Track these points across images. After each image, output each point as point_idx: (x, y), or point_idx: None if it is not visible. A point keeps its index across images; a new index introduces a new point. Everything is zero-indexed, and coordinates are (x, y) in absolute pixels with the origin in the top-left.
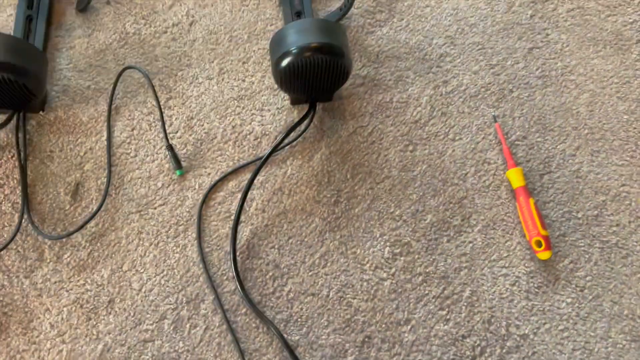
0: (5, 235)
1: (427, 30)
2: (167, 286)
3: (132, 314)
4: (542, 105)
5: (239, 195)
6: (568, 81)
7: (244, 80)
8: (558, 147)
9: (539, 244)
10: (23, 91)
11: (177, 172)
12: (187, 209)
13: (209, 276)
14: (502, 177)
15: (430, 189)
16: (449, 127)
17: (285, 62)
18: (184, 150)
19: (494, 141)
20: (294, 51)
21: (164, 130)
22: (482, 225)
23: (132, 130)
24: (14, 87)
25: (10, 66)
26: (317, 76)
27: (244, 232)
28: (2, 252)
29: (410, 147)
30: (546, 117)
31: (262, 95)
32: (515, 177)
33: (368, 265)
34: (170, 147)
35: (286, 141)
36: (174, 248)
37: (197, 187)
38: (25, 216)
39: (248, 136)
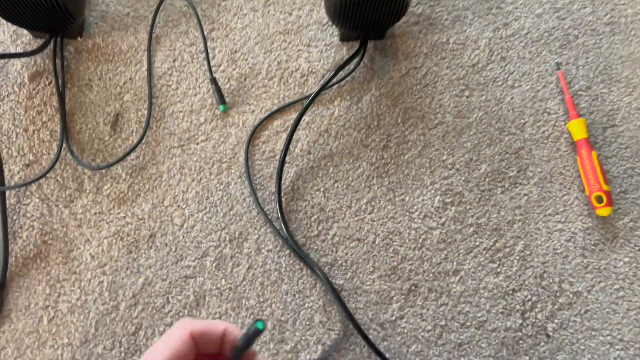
0: (44, 164)
1: None
2: (210, 223)
3: (173, 250)
4: (609, 54)
5: (284, 135)
6: (638, 30)
7: (290, 14)
8: (624, 99)
9: (599, 199)
10: (62, 13)
11: (221, 108)
12: (231, 147)
13: (264, 211)
14: (563, 128)
15: (485, 137)
16: (508, 73)
17: None
18: (227, 85)
19: (555, 90)
20: None
21: (208, 63)
22: (539, 178)
23: (174, 61)
24: (54, 7)
25: None
26: (373, 9)
27: (289, 173)
28: (41, 181)
29: (467, 93)
30: (612, 67)
31: (310, 30)
32: (577, 128)
33: (417, 213)
34: (214, 81)
35: (334, 80)
36: (217, 185)
37: (240, 124)
38: (65, 145)
39: (294, 73)
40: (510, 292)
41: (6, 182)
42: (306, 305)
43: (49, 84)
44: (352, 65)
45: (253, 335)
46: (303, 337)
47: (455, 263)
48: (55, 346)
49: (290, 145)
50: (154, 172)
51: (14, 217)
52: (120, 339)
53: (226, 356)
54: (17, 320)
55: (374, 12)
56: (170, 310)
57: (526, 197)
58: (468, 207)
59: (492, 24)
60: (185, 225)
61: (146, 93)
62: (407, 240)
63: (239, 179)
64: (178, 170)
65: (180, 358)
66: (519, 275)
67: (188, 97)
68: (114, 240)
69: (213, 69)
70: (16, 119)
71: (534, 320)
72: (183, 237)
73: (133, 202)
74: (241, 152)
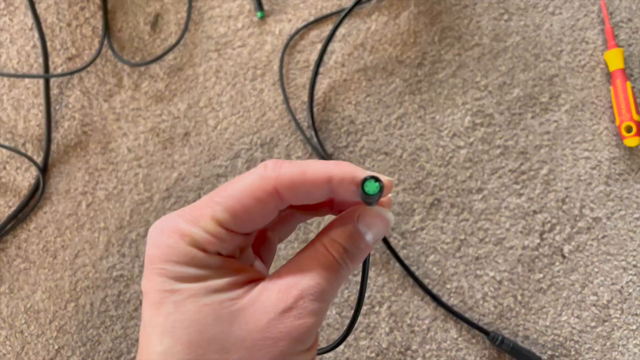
0: (85, 58)
1: None
2: (242, 127)
3: (206, 149)
4: None
5: (319, 46)
6: None
7: None
8: None
9: (628, 129)
10: None
11: (258, 14)
12: (266, 54)
13: (295, 119)
14: (599, 58)
15: (521, 62)
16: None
17: None
18: None
19: (596, 20)
20: None
21: None
22: (570, 106)
23: None
24: None
25: None
26: None
27: (322, 84)
28: (82, 74)
29: (505, 16)
30: None
31: None
32: (614, 58)
33: (446, 132)
34: None
35: None
36: (251, 91)
37: (277, 32)
38: (106, 41)
39: None
40: (531, 213)
41: (50, 70)
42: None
43: None
44: None
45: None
46: None
47: (479, 182)
48: (93, 229)
49: (325, 57)
50: (190, 74)
51: (57, 107)
52: None
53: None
54: (57, 203)
55: None
56: None
57: (556, 124)
58: (497, 129)
59: None
60: (218, 127)
61: None
62: (434, 157)
63: (273, 87)
64: (213, 74)
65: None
66: (541, 198)
67: (227, 2)
68: (150, 136)
69: None
70: (60, 14)
71: (551, 241)
72: (216, 138)
73: (169, 101)
74: (276, 60)
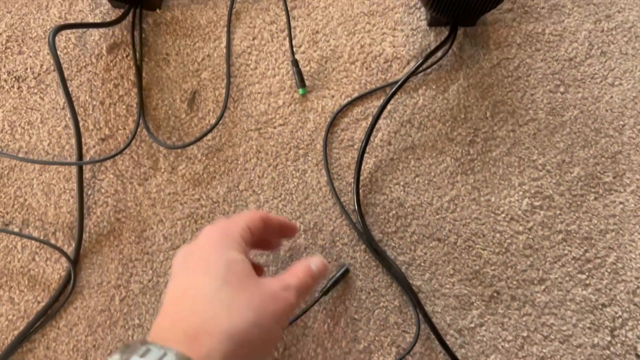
0: (119, 139)
1: None
2: (285, 211)
3: None
4: None
5: (364, 124)
6: None
7: None
8: None
9: None
10: None
11: (300, 91)
12: (309, 133)
13: (340, 202)
14: None
15: (580, 138)
16: (609, 70)
17: None
18: (307, 68)
19: None
20: None
21: (290, 44)
22: (637, 186)
23: (253, 39)
24: None
25: None
26: None
27: (368, 164)
28: (116, 156)
29: (562, 88)
30: None
31: (396, 13)
32: None
33: (502, 215)
34: (295, 63)
35: (414, 67)
36: (294, 172)
37: (319, 109)
38: (141, 121)
39: (377, 58)
40: (600, 306)
41: (83, 155)
42: (381, 304)
43: (127, 56)
44: (439, 52)
45: None
46: (377, 338)
47: (541, 271)
48: (127, 326)
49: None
50: (230, 155)
51: (89, 192)
52: None
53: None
54: (89, 297)
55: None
56: None
57: (621, 206)
58: (558, 212)
59: (593, 15)
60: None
61: (224, 71)
62: (490, 243)
63: (316, 167)
64: (254, 154)
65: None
66: (610, 289)
67: (267, 78)
68: (188, 223)
69: (294, 49)
70: (93, 91)
71: (623, 339)
72: None
73: (208, 185)
74: (319, 139)
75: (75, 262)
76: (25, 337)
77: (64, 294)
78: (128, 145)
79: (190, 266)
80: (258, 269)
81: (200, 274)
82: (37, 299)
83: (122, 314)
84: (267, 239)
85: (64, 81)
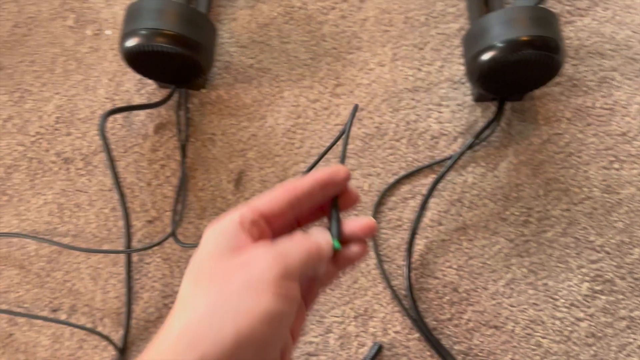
0: (166, 221)
1: (637, 24)
2: (333, 296)
3: None
4: None
5: (412, 202)
6: None
7: (419, 70)
8: None
9: None
10: (194, 67)
11: (335, 244)
12: (355, 212)
13: (391, 287)
14: None
15: (638, 217)
16: None
17: (486, 57)
18: (352, 146)
19: None
20: (498, 45)
21: (344, 153)
22: None
23: (298, 118)
24: (187, 62)
25: (185, 39)
26: (522, 73)
27: (418, 245)
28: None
29: (616, 165)
30: None
31: (441, 89)
32: None
33: (562, 301)
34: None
35: (465, 146)
36: None
37: (366, 188)
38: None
39: (423, 134)
40: None
41: (131, 241)
42: None
43: (173, 136)
44: (487, 130)
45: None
46: None
47: None
48: None
49: None
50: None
51: (136, 277)
52: None
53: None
54: None
55: (522, 76)
56: None
57: None
58: (620, 297)
59: None
60: None
61: (270, 150)
62: (550, 331)
63: None
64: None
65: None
66: None
67: (312, 157)
68: None
69: (337, 127)
70: (140, 172)
71: None
72: None
73: None
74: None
75: (123, 350)
76: None
77: None
78: (172, 234)
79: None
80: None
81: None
82: None
83: None
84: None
85: (113, 168)
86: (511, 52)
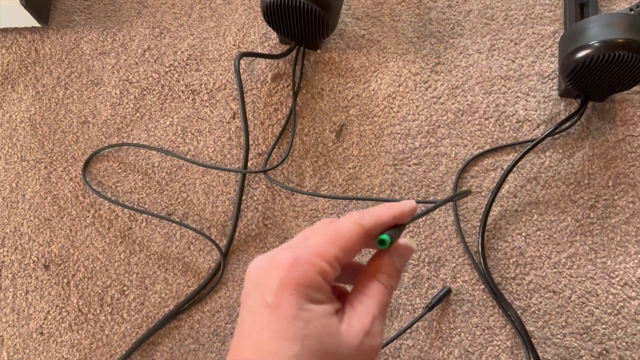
0: (274, 156)
1: None
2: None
3: None
4: None
5: (492, 174)
6: None
7: (513, 61)
8: None
9: None
10: (322, 26)
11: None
12: (440, 174)
13: (465, 242)
14: None
15: None
16: None
17: (582, 54)
18: (445, 117)
19: None
20: (595, 44)
21: (430, 209)
22: None
23: (398, 86)
24: (318, 20)
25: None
26: (611, 74)
27: (493, 212)
28: (269, 171)
29: None
30: None
31: (530, 80)
32: None
33: (617, 279)
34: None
35: (547, 131)
36: (422, 208)
37: (452, 155)
38: (292, 147)
39: (510, 117)
40: None
41: (247, 164)
42: (494, 342)
43: (287, 86)
44: (568, 122)
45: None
46: None
47: None
48: None
49: None
50: (367, 184)
51: (243, 198)
52: None
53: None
54: (232, 289)
55: (611, 76)
56: None
57: None
58: None
59: None
60: None
61: (370, 111)
62: (603, 303)
63: (444, 207)
64: (389, 187)
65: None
66: None
67: (407, 121)
68: None
69: (433, 99)
70: (255, 112)
71: None
72: None
73: (345, 207)
74: (449, 182)
75: (226, 255)
76: (174, 315)
77: (212, 282)
78: (282, 162)
79: (262, 314)
80: (339, 292)
81: (273, 334)
82: (187, 283)
83: None
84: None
85: (242, 98)
86: (606, 51)
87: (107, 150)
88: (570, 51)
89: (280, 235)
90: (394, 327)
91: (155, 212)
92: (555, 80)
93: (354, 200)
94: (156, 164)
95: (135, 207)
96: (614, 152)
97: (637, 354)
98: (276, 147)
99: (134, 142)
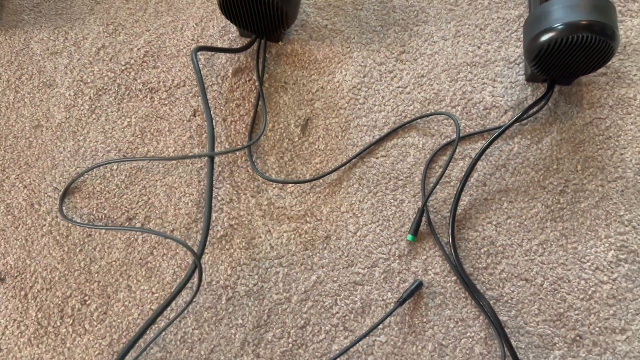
0: (237, 153)
1: None
2: (381, 236)
3: (345, 254)
4: None
5: (461, 163)
6: None
7: (479, 47)
8: None
9: None
10: (282, 18)
11: (409, 237)
12: (408, 166)
13: (435, 234)
14: None
15: None
16: None
17: (546, 38)
18: (411, 107)
19: None
20: (559, 27)
21: (423, 191)
22: None
23: (364, 77)
24: (277, 11)
25: None
26: (577, 56)
27: (462, 201)
28: (233, 169)
29: None
30: None
31: (496, 66)
32: None
33: (588, 264)
34: (422, 212)
35: (515, 117)
36: (392, 201)
37: (420, 145)
38: (251, 144)
39: (477, 105)
40: None
41: (214, 150)
42: (468, 334)
43: (249, 80)
44: (535, 107)
45: None
46: None
47: (623, 321)
48: (230, 325)
49: None
50: (334, 179)
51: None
52: (289, 330)
53: None
54: (198, 294)
55: (577, 59)
56: (337, 312)
57: None
58: None
59: None
60: (358, 233)
61: (335, 103)
62: (575, 289)
63: (413, 198)
64: (356, 180)
65: None
66: None
67: (373, 113)
68: (293, 236)
69: (399, 89)
70: (217, 108)
71: None
72: (355, 244)
73: (313, 203)
74: (418, 173)
75: (200, 257)
76: (152, 323)
77: (185, 289)
78: (262, 134)
79: None
80: None
81: None
82: (152, 289)
83: (227, 312)
84: None
85: (203, 91)
86: (570, 34)
87: (62, 156)
88: (534, 35)
89: (247, 236)
90: (365, 324)
91: (114, 219)
92: (521, 65)
93: (322, 198)
94: (114, 167)
95: (92, 213)
96: (581, 135)
97: (610, 338)
98: (240, 144)
99: (90, 145)
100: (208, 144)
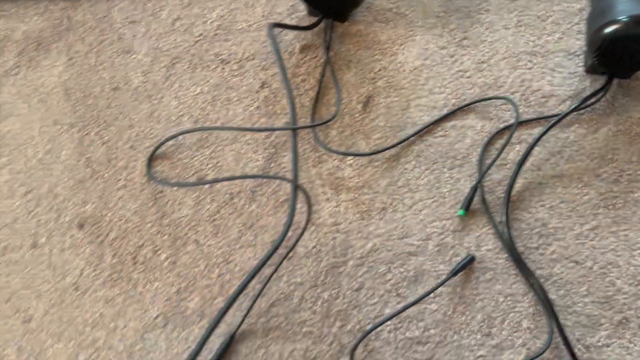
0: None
1: None
2: (437, 211)
3: (400, 226)
4: None
5: (517, 147)
6: None
7: (539, 37)
8: None
9: None
10: (352, 1)
11: (460, 212)
12: (466, 147)
13: (489, 213)
14: None
15: None
16: None
17: (610, 30)
18: (471, 91)
19: None
20: (624, 19)
21: (479, 185)
22: None
23: (425, 59)
24: None
25: None
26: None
27: (517, 183)
28: (298, 141)
29: None
30: None
31: (556, 57)
32: None
33: (638, 251)
34: (474, 188)
35: (572, 106)
36: (448, 179)
37: (478, 128)
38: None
39: (536, 92)
40: None
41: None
42: (516, 309)
43: (314, 57)
44: (593, 98)
45: None
46: (509, 337)
47: None
48: (289, 282)
49: None
50: (393, 154)
51: (271, 165)
52: (344, 291)
53: None
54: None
55: (638, 54)
56: (390, 279)
57: None
58: None
59: None
60: (414, 207)
61: (397, 83)
62: (624, 274)
63: (469, 178)
64: (414, 157)
65: None
66: None
67: (433, 94)
68: (350, 205)
69: (460, 73)
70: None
71: None
72: (410, 217)
73: (371, 176)
74: (475, 154)
75: (295, 181)
76: (258, 270)
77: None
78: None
79: None
80: None
81: None
82: (218, 244)
83: (287, 270)
84: None
85: (282, 66)
86: (634, 27)
87: (137, 117)
88: (598, 27)
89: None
90: (417, 292)
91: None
92: (581, 57)
93: (381, 172)
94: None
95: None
96: (638, 128)
97: None
98: (305, 117)
99: (165, 108)
100: (290, 117)
